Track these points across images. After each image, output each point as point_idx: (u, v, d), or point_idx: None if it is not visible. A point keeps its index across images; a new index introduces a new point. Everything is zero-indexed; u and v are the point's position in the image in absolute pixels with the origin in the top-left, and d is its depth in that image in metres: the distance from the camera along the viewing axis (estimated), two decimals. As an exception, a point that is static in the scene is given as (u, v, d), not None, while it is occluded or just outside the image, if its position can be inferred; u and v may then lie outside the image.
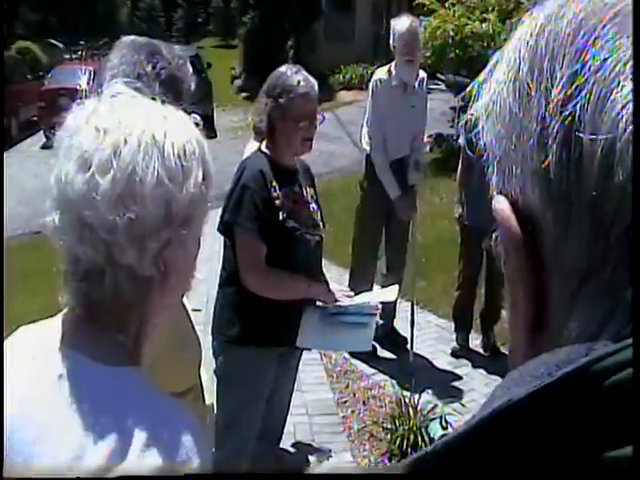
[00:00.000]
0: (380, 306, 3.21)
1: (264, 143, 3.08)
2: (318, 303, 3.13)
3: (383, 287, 5.20)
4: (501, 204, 0.52)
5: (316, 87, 2.98)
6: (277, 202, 2.92)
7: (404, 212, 5.08)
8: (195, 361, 1.93)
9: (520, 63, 0.53)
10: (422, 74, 5.20)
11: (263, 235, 2.88)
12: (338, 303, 3.09)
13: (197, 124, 1.94)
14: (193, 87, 1.99)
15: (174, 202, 0.98)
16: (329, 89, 19.25)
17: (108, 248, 0.96)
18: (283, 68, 3.06)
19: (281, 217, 2.91)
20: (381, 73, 5.15)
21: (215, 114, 18.27)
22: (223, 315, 3.09)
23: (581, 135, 0.47)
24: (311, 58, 20.35)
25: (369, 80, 5.38)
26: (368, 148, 5.13)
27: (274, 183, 2.93)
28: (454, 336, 5.47)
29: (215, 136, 16.41)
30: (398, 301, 5.56)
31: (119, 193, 0.94)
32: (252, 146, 4.04)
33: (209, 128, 16.35)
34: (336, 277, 6.87)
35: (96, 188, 0.94)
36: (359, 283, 5.35)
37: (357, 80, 19.81)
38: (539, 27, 0.52)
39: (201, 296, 5.48)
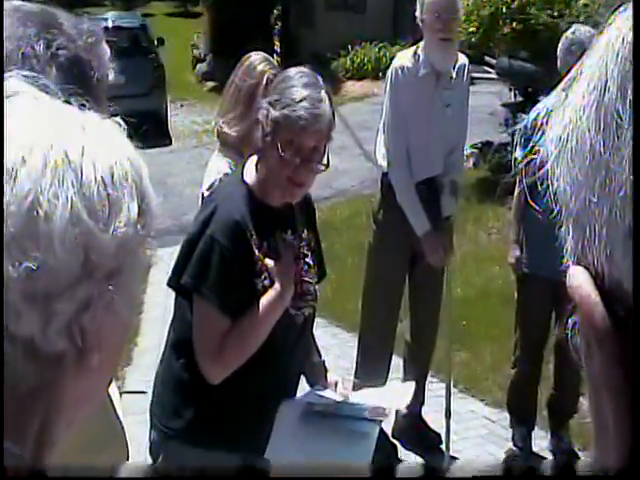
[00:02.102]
0: (388, 410, 3.18)
1: (251, 164, 3.08)
2: (300, 398, 3.14)
3: (404, 380, 5.19)
4: (579, 278, 0.52)
5: (326, 117, 2.93)
6: (257, 265, 2.94)
7: (435, 254, 5.09)
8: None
9: (607, 82, 0.52)
10: (463, 59, 5.25)
11: (231, 310, 2.91)
12: (326, 398, 3.08)
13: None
14: (111, 77, 1.96)
15: (96, 247, 0.97)
16: (332, 78, 19.43)
17: None
18: (293, 71, 3.03)
19: (260, 286, 2.94)
20: (404, 58, 5.19)
21: (169, 112, 18.45)
22: (166, 398, 3.12)
23: None
24: (307, 35, 20.59)
25: (387, 67, 5.42)
26: (385, 163, 5.16)
27: (255, 236, 2.95)
28: (509, 434, 5.46)
29: (170, 143, 16.54)
30: (428, 380, 5.56)
31: (13, 233, 0.92)
32: (218, 163, 4.05)
33: (161, 131, 16.48)
34: (339, 346, 6.87)
35: None
36: (372, 355, 5.35)
37: (370, 66, 20.03)
38: (634, 32, 0.52)
39: (147, 371, 5.45)
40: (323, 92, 2.96)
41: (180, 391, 3.06)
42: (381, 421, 3.13)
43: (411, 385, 3.45)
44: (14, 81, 1.05)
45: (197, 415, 3.03)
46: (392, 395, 3.41)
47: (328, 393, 3.14)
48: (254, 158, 3.09)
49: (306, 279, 3.11)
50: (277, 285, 2.93)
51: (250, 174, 3.06)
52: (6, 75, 1.06)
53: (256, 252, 2.95)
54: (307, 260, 3.14)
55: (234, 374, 2.93)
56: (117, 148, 1.05)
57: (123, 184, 1.01)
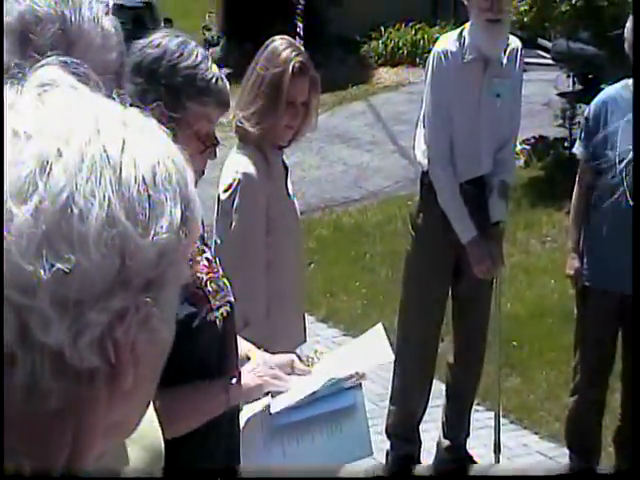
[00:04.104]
0: (363, 372, 3.07)
1: None
2: (257, 407, 3.02)
3: (446, 410, 5.08)
4: None
5: (226, 89, 2.93)
6: None
7: (482, 265, 5.10)
8: None
9: None
10: (514, 42, 5.25)
11: None
12: (290, 396, 2.95)
13: None
14: (115, 57, 1.94)
15: (133, 252, 0.98)
16: (362, 64, 19.31)
17: (22, 319, 0.94)
18: (159, 36, 3.03)
19: None
20: (448, 41, 5.20)
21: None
22: None
23: None
24: (333, 14, 20.53)
25: (425, 52, 5.44)
26: (425, 161, 5.17)
27: None
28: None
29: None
30: (474, 409, 5.53)
31: (45, 231, 0.94)
32: (236, 162, 4.05)
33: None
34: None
35: (8, 222, 0.93)
36: (410, 379, 5.33)
37: (406, 51, 19.93)
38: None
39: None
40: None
41: None
42: (359, 385, 3.03)
43: (379, 329, 3.28)
44: (52, 69, 1.04)
45: None
46: (363, 353, 3.32)
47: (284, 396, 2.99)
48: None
49: (212, 275, 2.99)
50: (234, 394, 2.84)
51: None
52: (43, 61, 1.07)
53: None
54: (206, 256, 3.03)
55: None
56: (160, 147, 1.05)
57: (166, 186, 1.02)
